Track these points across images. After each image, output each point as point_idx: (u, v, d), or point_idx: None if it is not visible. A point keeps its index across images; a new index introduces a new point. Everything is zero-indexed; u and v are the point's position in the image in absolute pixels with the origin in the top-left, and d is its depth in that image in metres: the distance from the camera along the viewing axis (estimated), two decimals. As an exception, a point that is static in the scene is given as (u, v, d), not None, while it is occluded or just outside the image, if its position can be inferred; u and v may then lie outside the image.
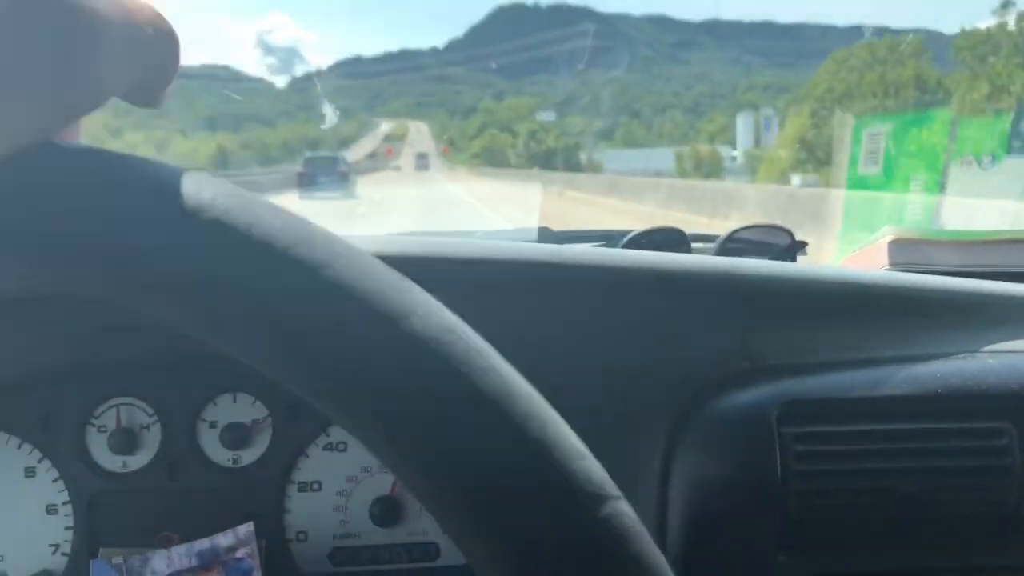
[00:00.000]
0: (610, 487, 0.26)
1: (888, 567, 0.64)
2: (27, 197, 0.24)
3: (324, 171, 29.38)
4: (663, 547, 0.63)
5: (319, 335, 0.25)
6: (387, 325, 0.25)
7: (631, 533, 0.25)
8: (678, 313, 0.67)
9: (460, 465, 0.25)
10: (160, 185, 0.25)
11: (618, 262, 0.67)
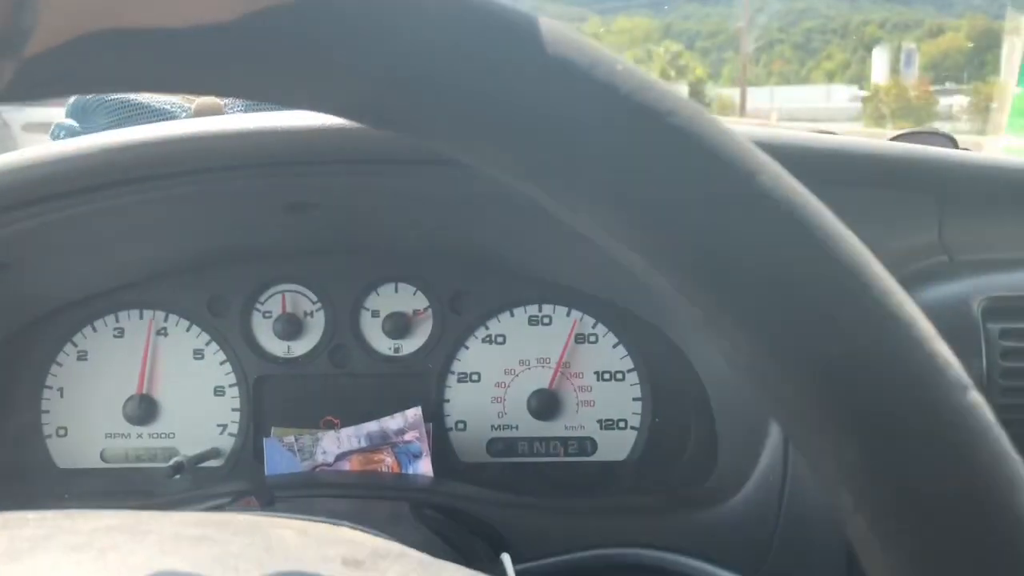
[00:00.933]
0: (965, 374, 0.23)
1: None
2: (371, 16, 0.22)
3: None
4: None
5: (665, 185, 0.23)
6: (738, 180, 0.23)
7: (991, 425, 0.23)
8: (870, 201, 0.63)
9: (820, 335, 0.22)
10: (498, 19, 0.23)
11: (809, 145, 0.63)
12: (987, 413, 0.23)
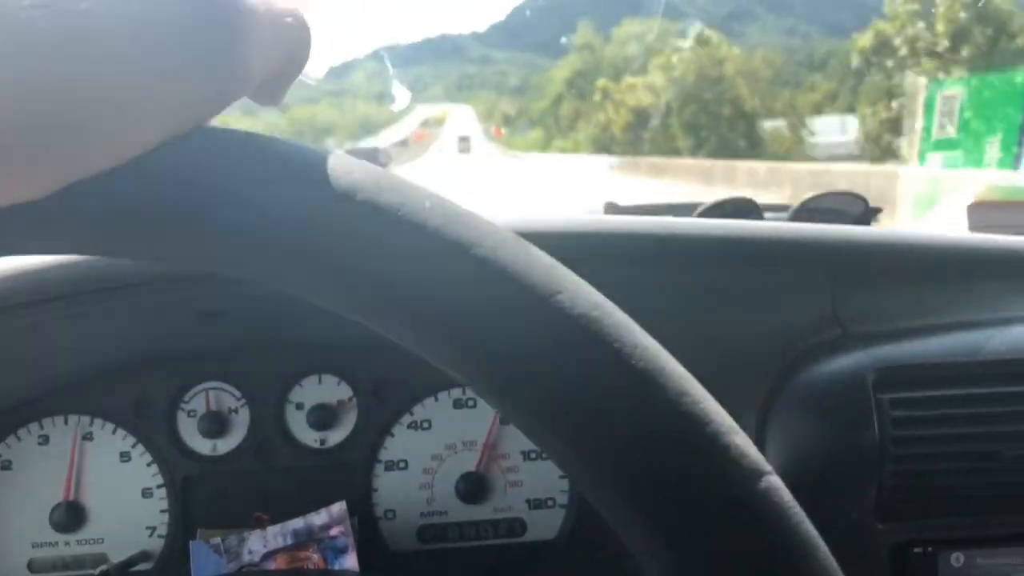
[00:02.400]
0: (763, 462, 0.25)
1: (989, 532, 0.63)
2: (187, 179, 0.24)
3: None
4: None
5: (472, 312, 0.25)
6: (538, 302, 0.25)
7: (788, 507, 0.25)
8: (766, 281, 0.66)
9: (616, 441, 0.24)
10: (313, 167, 0.25)
11: (701, 232, 0.66)
12: (783, 496, 0.25)
